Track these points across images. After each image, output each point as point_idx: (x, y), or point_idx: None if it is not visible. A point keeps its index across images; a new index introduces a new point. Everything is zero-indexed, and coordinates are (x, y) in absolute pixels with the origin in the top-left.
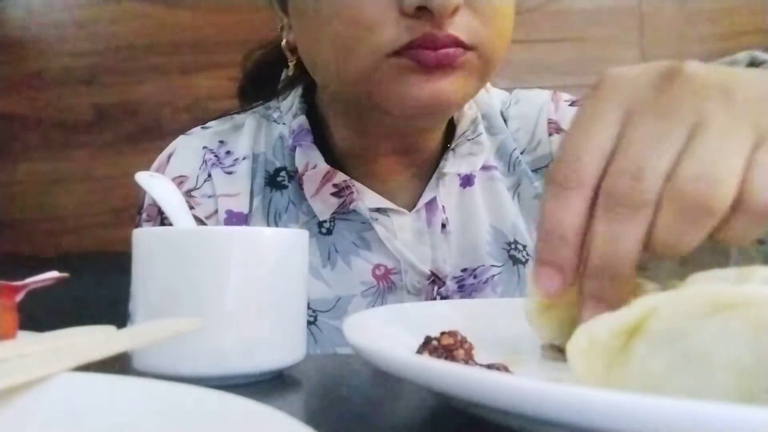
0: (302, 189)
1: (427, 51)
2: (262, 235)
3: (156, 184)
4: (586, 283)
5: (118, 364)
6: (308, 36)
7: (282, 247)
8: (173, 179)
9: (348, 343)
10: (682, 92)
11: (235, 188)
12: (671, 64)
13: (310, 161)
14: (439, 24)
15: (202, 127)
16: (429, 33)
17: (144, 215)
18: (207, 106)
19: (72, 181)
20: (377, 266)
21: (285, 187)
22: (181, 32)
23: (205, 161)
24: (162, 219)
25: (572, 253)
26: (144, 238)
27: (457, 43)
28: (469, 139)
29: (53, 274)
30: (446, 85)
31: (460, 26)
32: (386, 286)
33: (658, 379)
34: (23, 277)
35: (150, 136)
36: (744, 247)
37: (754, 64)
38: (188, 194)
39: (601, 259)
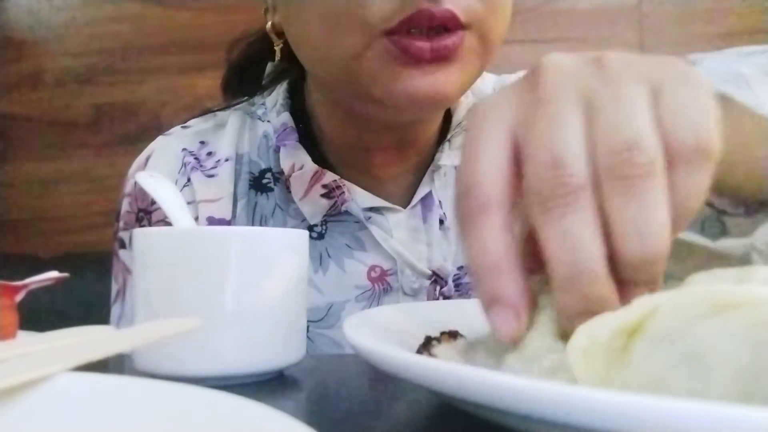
0: (289, 191)
1: (421, 42)
2: (262, 235)
3: (155, 183)
4: (561, 300)
5: (118, 364)
6: (295, 15)
7: (282, 247)
8: None
9: (342, 347)
10: (554, 80)
11: (217, 192)
12: (531, 66)
13: (297, 161)
14: None
15: (182, 127)
16: (425, 9)
17: (121, 223)
18: (207, 106)
19: (72, 181)
20: (372, 268)
21: (271, 189)
22: (181, 32)
23: (184, 164)
24: (141, 226)
25: (512, 279)
26: (144, 238)
27: (453, 18)
28: (464, 129)
29: (53, 274)
30: (442, 79)
31: (455, 0)
32: (382, 288)
33: (658, 379)
34: (23, 277)
35: (150, 136)
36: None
37: None
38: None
39: (562, 265)
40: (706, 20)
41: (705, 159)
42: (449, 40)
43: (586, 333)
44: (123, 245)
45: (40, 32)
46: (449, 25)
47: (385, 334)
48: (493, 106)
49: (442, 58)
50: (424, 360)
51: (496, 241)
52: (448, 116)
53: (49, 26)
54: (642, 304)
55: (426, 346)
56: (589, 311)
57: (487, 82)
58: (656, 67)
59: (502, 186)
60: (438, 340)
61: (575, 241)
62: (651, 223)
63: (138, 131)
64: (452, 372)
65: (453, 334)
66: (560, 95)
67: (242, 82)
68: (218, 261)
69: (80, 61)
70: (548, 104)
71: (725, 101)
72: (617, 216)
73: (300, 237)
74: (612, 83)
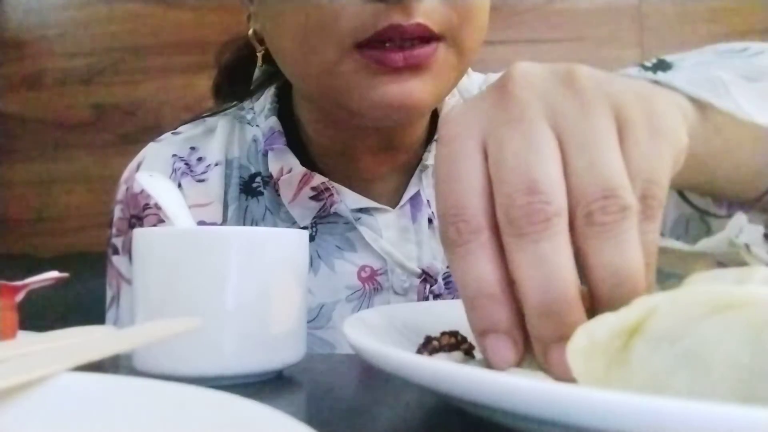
0: (278, 195)
1: (394, 53)
2: (261, 235)
3: (156, 184)
4: (536, 327)
5: (118, 364)
6: (272, 26)
7: (282, 247)
8: (142, 190)
9: (334, 347)
10: (524, 95)
11: (207, 197)
12: (500, 76)
13: (285, 165)
14: (406, 10)
15: (172, 133)
16: (396, 24)
17: (114, 230)
18: (207, 106)
19: (72, 181)
20: (363, 268)
21: (261, 193)
22: (181, 32)
23: (174, 170)
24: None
25: (508, 308)
26: (144, 238)
27: (426, 32)
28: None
29: (53, 274)
30: (416, 87)
31: (428, 13)
32: (372, 288)
33: (658, 379)
34: (23, 277)
35: (150, 136)
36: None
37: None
38: (157, 207)
39: (536, 291)
40: (706, 20)
41: (650, 220)
42: (422, 51)
43: (585, 333)
44: (116, 251)
45: (40, 32)
46: (422, 37)
47: (384, 334)
48: (462, 118)
49: (416, 66)
50: (423, 360)
51: (491, 269)
52: (435, 115)
53: (49, 26)
54: (641, 304)
55: (426, 346)
56: (565, 338)
57: (474, 80)
58: (624, 97)
59: (488, 209)
60: (438, 340)
61: (550, 268)
62: (627, 266)
63: (138, 131)
64: (452, 372)
65: (453, 334)
66: (531, 114)
67: (233, 85)
68: (218, 261)
69: (80, 61)
70: (520, 123)
71: (705, 108)
72: (594, 259)
73: (300, 237)
74: (584, 112)
